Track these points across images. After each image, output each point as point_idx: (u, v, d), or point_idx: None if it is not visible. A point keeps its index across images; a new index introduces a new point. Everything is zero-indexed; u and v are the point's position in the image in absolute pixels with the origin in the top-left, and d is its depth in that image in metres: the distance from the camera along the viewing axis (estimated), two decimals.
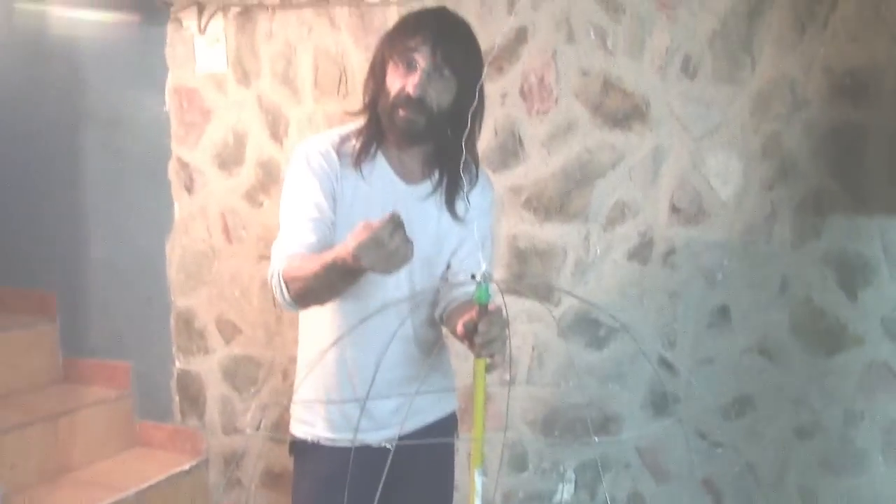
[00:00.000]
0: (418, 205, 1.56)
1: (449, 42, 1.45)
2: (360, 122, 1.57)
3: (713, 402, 2.29)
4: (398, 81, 1.46)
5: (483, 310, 1.24)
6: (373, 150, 1.53)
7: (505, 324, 1.29)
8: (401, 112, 1.46)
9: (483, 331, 1.24)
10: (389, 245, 1.21)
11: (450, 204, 1.57)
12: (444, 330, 1.72)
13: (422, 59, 1.44)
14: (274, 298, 1.52)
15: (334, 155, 1.52)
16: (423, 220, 1.56)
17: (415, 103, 1.44)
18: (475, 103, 1.42)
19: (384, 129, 1.51)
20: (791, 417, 2.25)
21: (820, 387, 2.22)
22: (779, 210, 2.20)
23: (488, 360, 1.28)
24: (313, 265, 1.36)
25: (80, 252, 2.99)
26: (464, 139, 1.48)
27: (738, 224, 2.23)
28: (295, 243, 1.45)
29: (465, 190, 1.58)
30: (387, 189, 1.54)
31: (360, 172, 1.52)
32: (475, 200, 1.61)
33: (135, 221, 2.88)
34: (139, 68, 2.80)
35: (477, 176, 1.62)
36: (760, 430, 2.28)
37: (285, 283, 1.41)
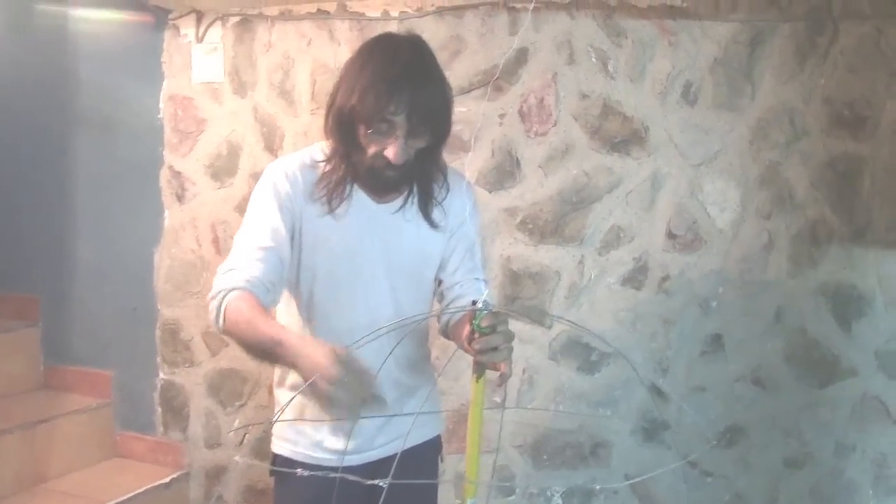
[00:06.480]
0: (393, 219, 1.53)
1: (424, 104, 1.38)
2: (328, 146, 1.52)
3: (706, 430, 2.27)
4: (374, 145, 1.41)
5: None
6: (346, 193, 1.49)
7: (510, 335, 1.26)
8: (380, 172, 1.43)
9: (484, 340, 1.22)
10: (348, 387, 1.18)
11: (425, 214, 1.55)
12: (429, 351, 1.72)
13: (399, 128, 1.38)
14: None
15: (304, 187, 1.48)
16: (400, 233, 1.53)
17: (395, 166, 1.41)
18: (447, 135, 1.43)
19: (358, 173, 1.47)
20: (782, 448, 2.24)
21: (812, 418, 2.22)
22: (775, 239, 2.20)
23: (497, 371, 1.26)
24: (255, 327, 1.31)
25: (65, 257, 2.95)
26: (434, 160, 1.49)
27: (735, 252, 2.22)
28: (239, 275, 1.39)
29: (438, 199, 1.55)
30: (359, 212, 1.51)
31: (332, 212, 1.49)
32: (455, 210, 1.58)
33: (123, 228, 2.84)
34: (134, 75, 2.77)
35: (446, 177, 1.58)
36: (751, 459, 2.27)
37: (224, 315, 1.36)
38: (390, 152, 1.39)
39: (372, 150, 1.41)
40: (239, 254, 1.44)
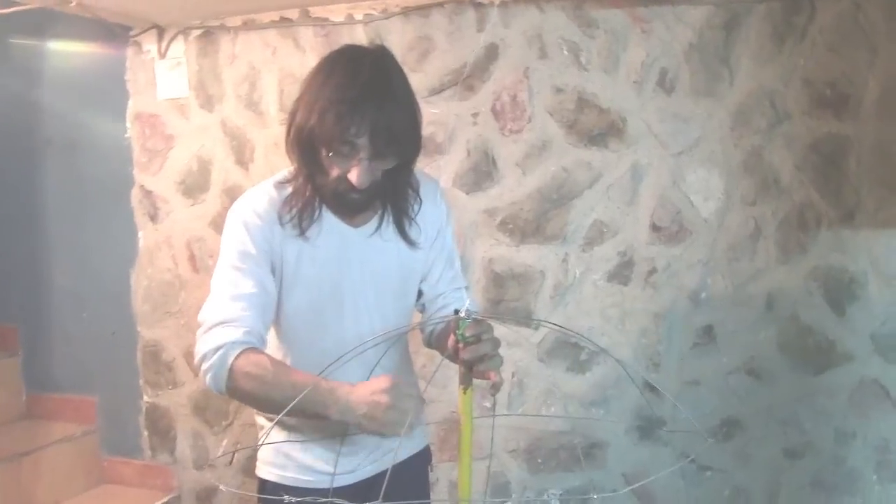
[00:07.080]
0: (371, 242, 1.47)
1: (388, 125, 1.29)
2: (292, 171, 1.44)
3: (702, 425, 2.22)
4: (336, 168, 1.33)
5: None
6: (315, 214, 1.42)
7: (497, 342, 1.24)
8: (344, 195, 1.35)
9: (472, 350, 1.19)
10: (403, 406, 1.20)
11: (402, 233, 1.49)
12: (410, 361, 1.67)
13: (362, 150, 1.29)
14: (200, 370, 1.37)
15: (275, 216, 1.41)
16: (381, 255, 1.48)
17: (359, 189, 1.33)
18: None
19: (324, 194, 1.40)
20: (781, 438, 2.20)
21: (810, 406, 2.17)
22: (762, 226, 2.14)
23: (486, 380, 1.24)
24: (288, 377, 1.28)
25: (41, 283, 2.89)
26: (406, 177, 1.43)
27: (721, 241, 2.17)
28: (236, 330, 1.32)
29: (412, 216, 1.49)
30: (334, 239, 1.44)
31: (304, 236, 1.41)
32: (430, 221, 1.53)
33: (98, 251, 2.78)
34: (99, 94, 2.70)
35: (418, 192, 1.51)
36: (750, 452, 2.22)
37: (233, 372, 1.29)
38: (353, 176, 1.31)
39: (334, 173, 1.33)
40: (224, 304, 1.35)
